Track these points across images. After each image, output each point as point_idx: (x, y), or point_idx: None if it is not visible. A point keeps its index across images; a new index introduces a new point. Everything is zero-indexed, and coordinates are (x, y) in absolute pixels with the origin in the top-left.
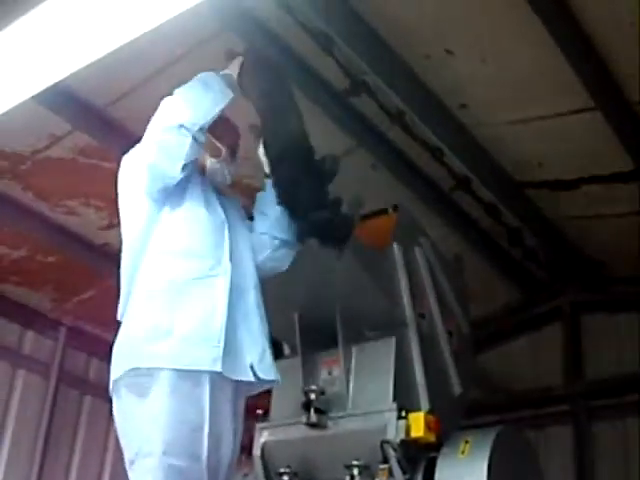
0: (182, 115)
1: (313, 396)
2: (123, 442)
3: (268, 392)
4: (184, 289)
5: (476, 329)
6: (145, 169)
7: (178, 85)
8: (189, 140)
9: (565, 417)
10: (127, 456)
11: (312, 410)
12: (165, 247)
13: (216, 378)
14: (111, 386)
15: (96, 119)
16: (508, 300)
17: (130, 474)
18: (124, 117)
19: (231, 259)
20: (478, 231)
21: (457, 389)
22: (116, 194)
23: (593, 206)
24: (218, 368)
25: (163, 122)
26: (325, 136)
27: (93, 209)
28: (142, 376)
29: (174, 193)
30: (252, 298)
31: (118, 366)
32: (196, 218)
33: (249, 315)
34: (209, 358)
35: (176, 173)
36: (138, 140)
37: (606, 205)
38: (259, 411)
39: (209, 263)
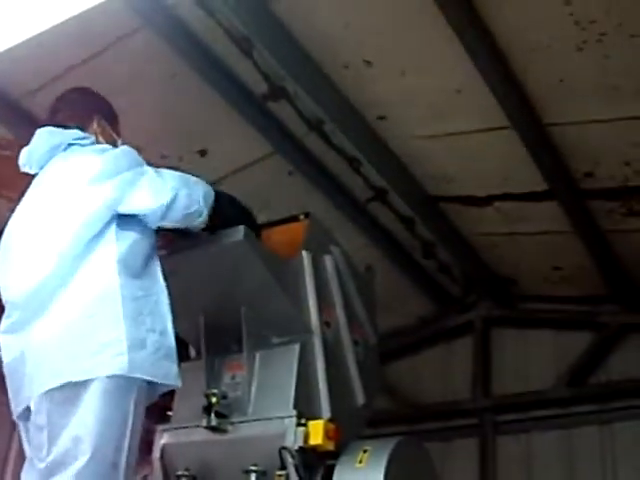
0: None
1: (214, 400)
2: (43, 445)
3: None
4: (144, 306)
5: (388, 339)
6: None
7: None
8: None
9: (472, 430)
10: (46, 458)
11: (213, 414)
12: (122, 265)
13: (143, 385)
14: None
15: (12, 110)
16: (421, 312)
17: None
18: (41, 109)
19: None
20: (393, 243)
21: (360, 399)
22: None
23: (505, 224)
24: (179, 384)
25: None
26: (242, 140)
27: (5, 200)
28: (76, 385)
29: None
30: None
31: (56, 375)
32: (147, 240)
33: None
34: (174, 373)
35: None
36: None
37: (518, 223)
38: (170, 413)
39: (151, 282)
